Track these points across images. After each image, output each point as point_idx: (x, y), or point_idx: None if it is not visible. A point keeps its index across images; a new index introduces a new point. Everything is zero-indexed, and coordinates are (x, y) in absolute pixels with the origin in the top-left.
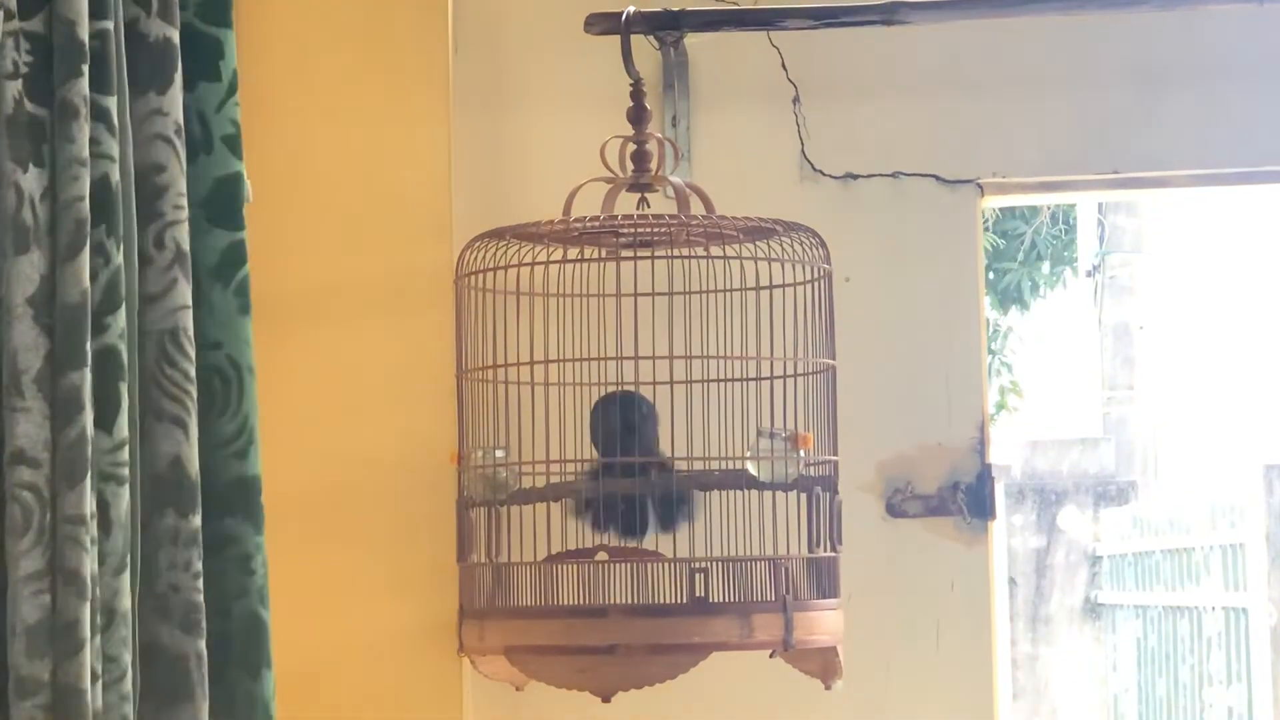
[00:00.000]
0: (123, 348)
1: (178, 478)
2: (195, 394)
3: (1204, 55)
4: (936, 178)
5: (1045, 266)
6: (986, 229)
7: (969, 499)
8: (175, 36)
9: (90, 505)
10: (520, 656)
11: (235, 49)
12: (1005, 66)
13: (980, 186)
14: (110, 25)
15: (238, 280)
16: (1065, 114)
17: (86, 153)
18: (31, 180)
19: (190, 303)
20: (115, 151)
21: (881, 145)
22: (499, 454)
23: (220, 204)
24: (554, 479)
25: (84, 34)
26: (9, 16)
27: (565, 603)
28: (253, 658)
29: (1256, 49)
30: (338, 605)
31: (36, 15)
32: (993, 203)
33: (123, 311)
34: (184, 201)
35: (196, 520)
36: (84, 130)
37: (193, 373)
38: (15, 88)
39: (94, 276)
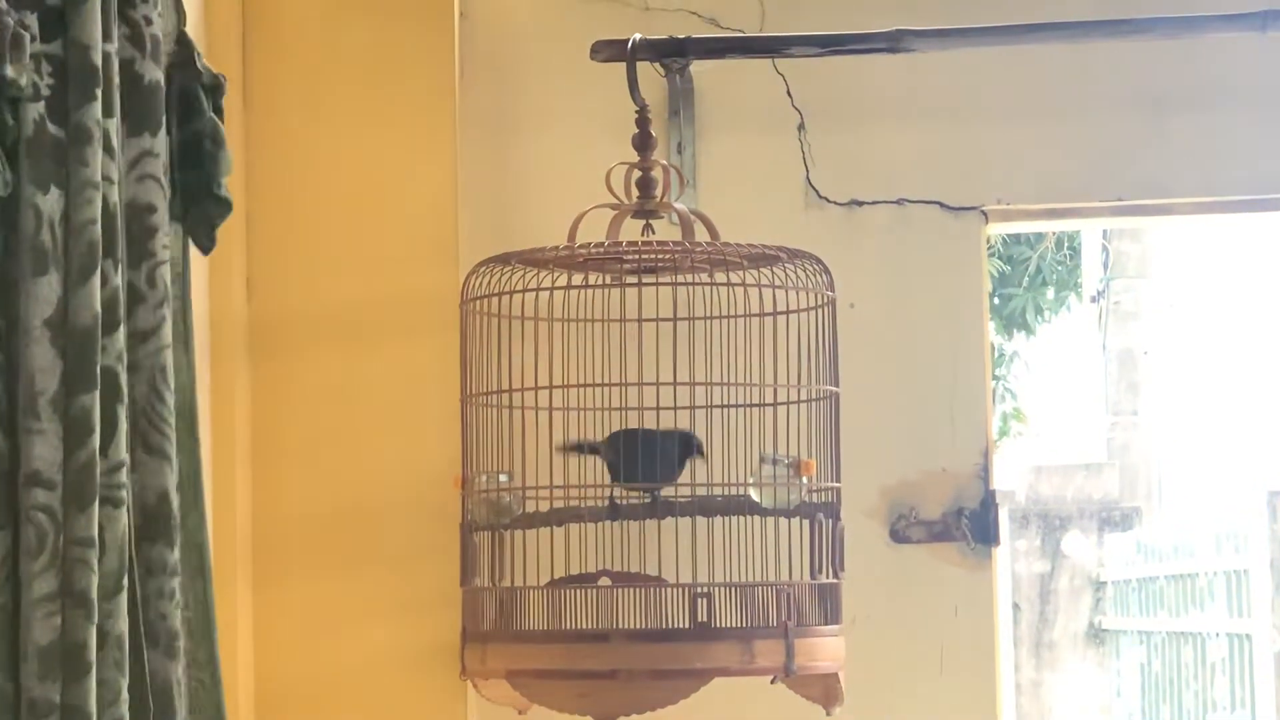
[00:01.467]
0: (120, 370)
1: (165, 511)
2: (174, 428)
3: (1208, 83)
4: (941, 204)
5: (1050, 292)
6: (991, 254)
7: (973, 524)
8: (162, 80)
9: (95, 528)
10: (522, 680)
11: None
12: (1010, 94)
13: (985, 213)
14: (114, 51)
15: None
16: (1070, 141)
17: (99, 176)
18: (51, 202)
19: (170, 343)
20: (116, 175)
21: (886, 172)
22: (503, 478)
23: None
24: (558, 504)
25: (97, 58)
26: (31, 39)
27: (568, 627)
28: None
29: (1260, 77)
30: (341, 628)
31: (56, 39)
32: (997, 229)
33: (120, 333)
34: (169, 243)
35: (175, 552)
36: (97, 154)
37: (172, 409)
38: (37, 109)
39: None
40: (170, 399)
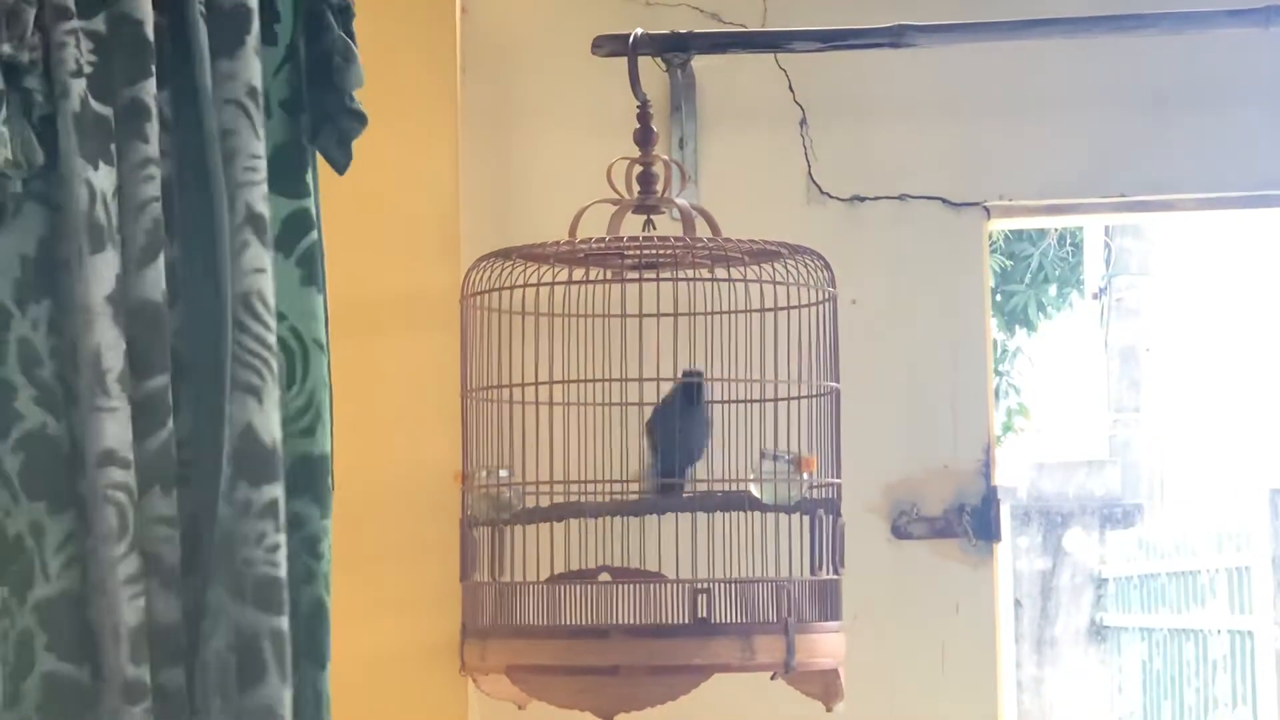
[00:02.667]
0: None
1: (251, 448)
2: (273, 363)
3: (1210, 79)
4: (943, 200)
5: (1052, 289)
6: (994, 251)
7: (974, 521)
8: (252, 2)
9: (175, 506)
10: (522, 676)
11: (293, 15)
12: (1012, 90)
13: (987, 209)
14: (191, 7)
15: (301, 249)
16: (1072, 137)
17: (157, 152)
18: (101, 179)
19: (266, 267)
20: (202, 135)
21: (888, 168)
22: (503, 474)
23: (280, 170)
24: (558, 499)
25: (149, 32)
26: (68, 15)
27: (568, 623)
28: (318, 648)
29: (1263, 73)
30: (341, 623)
31: (99, 14)
32: (999, 225)
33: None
34: (258, 165)
35: (272, 492)
36: (154, 129)
37: (271, 340)
38: (80, 86)
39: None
40: (261, 329)
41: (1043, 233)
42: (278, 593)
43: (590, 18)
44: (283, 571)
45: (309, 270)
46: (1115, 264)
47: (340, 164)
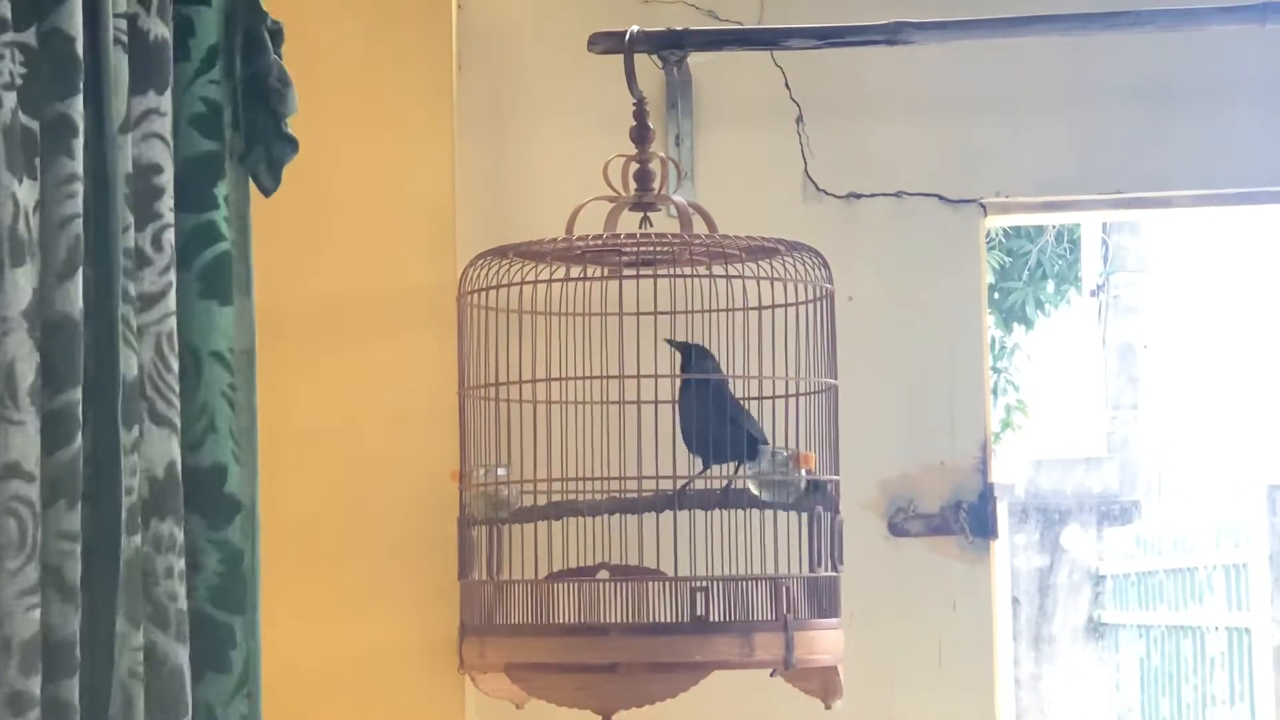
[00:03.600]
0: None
1: (174, 484)
2: (177, 395)
3: (1207, 76)
4: (940, 197)
5: (1050, 285)
6: (992, 248)
7: (971, 518)
8: (170, 35)
9: (78, 521)
10: (520, 674)
11: (213, 25)
12: (1008, 87)
13: (983, 206)
14: (105, 29)
15: (203, 263)
16: (1068, 134)
17: (82, 169)
18: (25, 192)
19: (175, 308)
20: (111, 158)
21: (885, 165)
22: (500, 472)
23: (185, 185)
24: (555, 497)
25: (80, 49)
26: (4, 28)
27: (566, 621)
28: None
29: (1259, 70)
30: (339, 622)
31: (29, 28)
32: (996, 222)
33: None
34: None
35: (181, 528)
36: (79, 146)
37: (178, 376)
38: (11, 99)
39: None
40: (176, 365)
41: (1041, 229)
42: (188, 626)
43: (586, 14)
44: (186, 604)
45: (210, 283)
46: (1113, 261)
47: (268, 188)
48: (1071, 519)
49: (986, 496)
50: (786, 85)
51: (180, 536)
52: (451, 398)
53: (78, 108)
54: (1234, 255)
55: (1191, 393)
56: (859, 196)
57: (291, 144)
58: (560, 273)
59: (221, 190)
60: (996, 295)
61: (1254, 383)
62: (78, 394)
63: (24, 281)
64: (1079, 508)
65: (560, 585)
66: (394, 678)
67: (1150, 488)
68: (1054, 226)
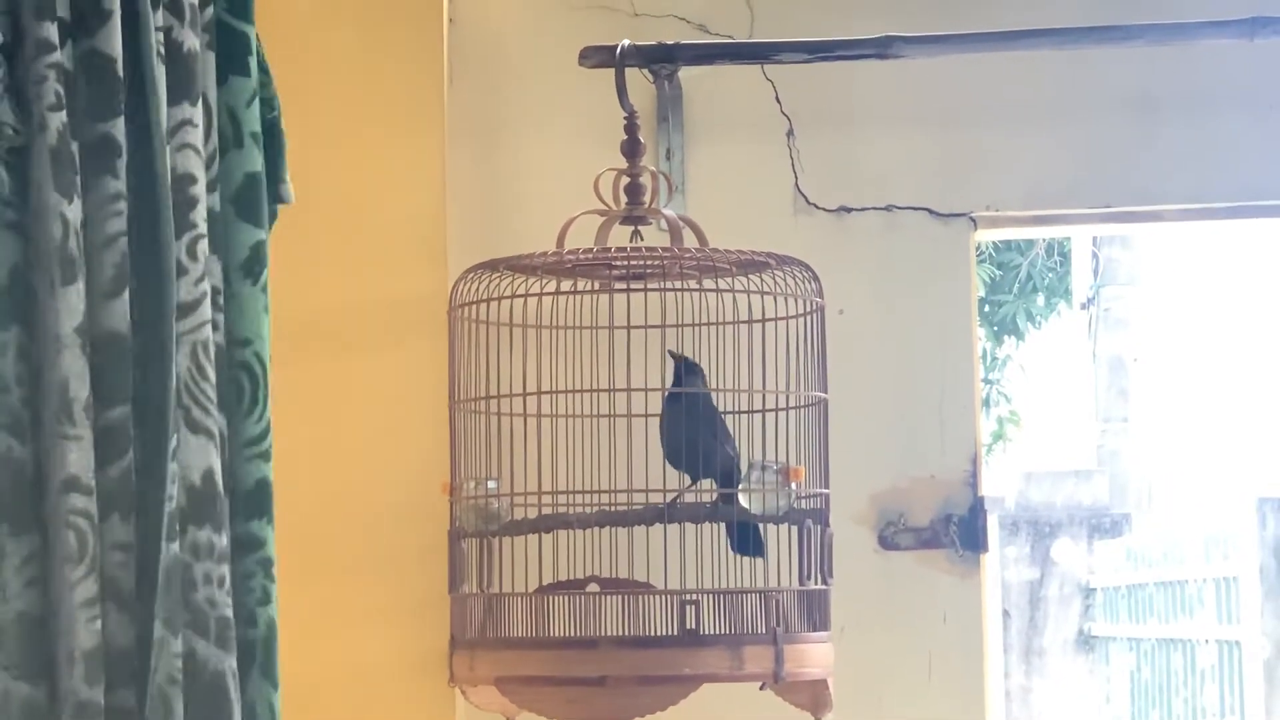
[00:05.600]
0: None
1: (212, 491)
2: (216, 410)
3: (1196, 89)
4: (930, 211)
5: (1040, 298)
6: (983, 261)
7: (961, 531)
8: (201, 46)
9: (132, 532)
10: (511, 687)
11: (256, 45)
12: (998, 100)
13: (973, 220)
14: (149, 46)
15: (263, 278)
16: (1058, 147)
17: (125, 187)
18: (73, 212)
19: (213, 319)
20: (159, 171)
21: (875, 178)
22: (491, 485)
23: (249, 200)
24: (546, 510)
25: (120, 69)
26: (49, 49)
27: (556, 634)
28: (272, 666)
29: (1248, 83)
30: (329, 635)
31: (69, 48)
32: (986, 236)
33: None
34: (209, 213)
35: (227, 535)
36: (123, 166)
37: (216, 385)
38: (59, 119)
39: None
40: (214, 374)
41: (1031, 243)
42: (233, 633)
43: (577, 29)
44: (232, 612)
45: (267, 298)
46: (1103, 274)
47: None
48: (1062, 532)
49: (977, 510)
50: (777, 99)
51: (220, 543)
52: (442, 411)
53: (120, 127)
54: (1224, 269)
55: (1181, 405)
56: (849, 210)
57: (274, 213)
58: (551, 286)
59: (268, 211)
60: (987, 308)
61: (1243, 395)
62: (128, 408)
63: (75, 300)
64: (1069, 520)
65: (551, 598)
66: (384, 690)
67: (1140, 500)
68: (1044, 240)
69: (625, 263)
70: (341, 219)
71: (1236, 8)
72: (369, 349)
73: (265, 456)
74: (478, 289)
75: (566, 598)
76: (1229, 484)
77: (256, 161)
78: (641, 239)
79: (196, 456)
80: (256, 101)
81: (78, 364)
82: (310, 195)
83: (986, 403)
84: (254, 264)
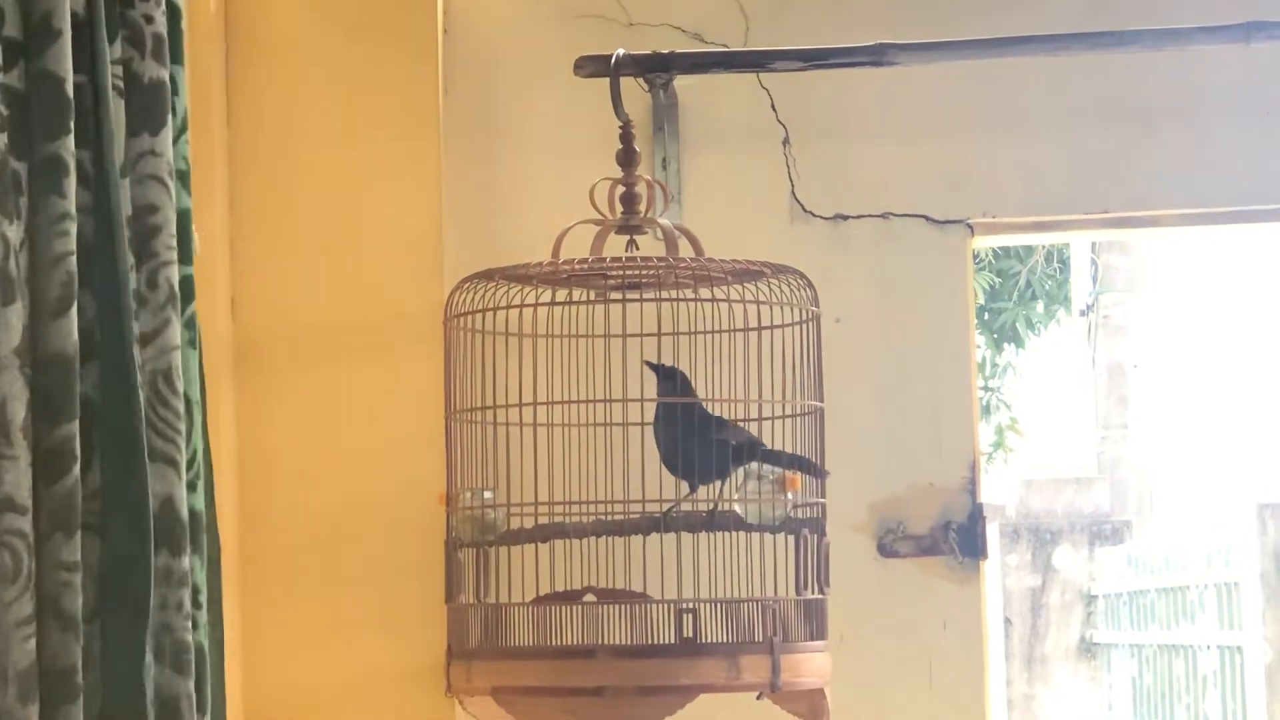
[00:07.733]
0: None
1: (170, 518)
2: (182, 434)
3: (1193, 95)
4: (927, 218)
5: (1040, 306)
6: (982, 268)
7: (961, 538)
8: (167, 77)
9: (78, 553)
10: (508, 697)
11: (186, 87)
12: (995, 107)
13: (970, 226)
14: (103, 73)
15: (189, 314)
16: (1055, 154)
17: (74, 208)
18: (14, 232)
19: (179, 344)
20: (108, 199)
21: (871, 186)
22: (487, 495)
23: (180, 237)
24: (543, 520)
25: (69, 89)
26: None
27: (553, 644)
28: (205, 697)
29: (1244, 88)
30: (327, 645)
31: (13, 69)
32: (983, 243)
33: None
34: (175, 241)
35: (187, 561)
36: (71, 185)
37: (181, 411)
38: (1, 141)
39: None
40: (176, 402)
41: (1030, 250)
42: (191, 656)
43: (572, 38)
44: (190, 636)
45: (192, 334)
46: (1102, 281)
47: None
48: (1063, 539)
49: (975, 517)
50: (773, 107)
51: (179, 569)
52: (438, 421)
53: (69, 147)
54: (1223, 274)
55: (1182, 412)
56: (846, 218)
57: None
58: (547, 296)
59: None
60: (986, 316)
61: (1244, 401)
62: (74, 428)
63: (14, 320)
64: (1070, 528)
65: (548, 608)
66: (382, 701)
67: (1141, 507)
68: (1043, 247)
69: (621, 272)
70: (337, 229)
71: (1231, 13)
72: (365, 360)
73: (193, 489)
74: (473, 299)
75: (564, 608)
76: (1230, 490)
77: (182, 201)
78: (637, 248)
79: (157, 483)
80: (181, 142)
81: (16, 385)
82: (306, 206)
83: (987, 410)
84: (182, 302)
